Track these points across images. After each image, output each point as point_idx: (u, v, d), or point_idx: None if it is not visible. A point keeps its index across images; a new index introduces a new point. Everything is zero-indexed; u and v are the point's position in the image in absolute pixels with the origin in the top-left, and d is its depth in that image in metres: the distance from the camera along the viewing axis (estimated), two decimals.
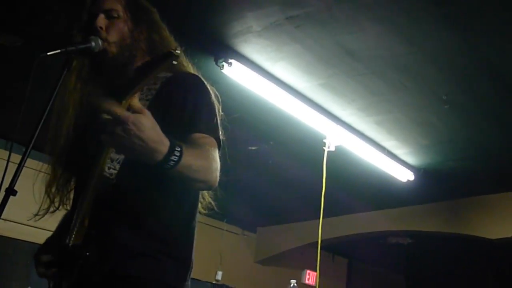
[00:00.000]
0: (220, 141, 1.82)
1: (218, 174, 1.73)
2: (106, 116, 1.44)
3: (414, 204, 7.34)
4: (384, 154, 5.91)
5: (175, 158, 1.51)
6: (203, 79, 1.93)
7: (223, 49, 4.19)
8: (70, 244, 1.64)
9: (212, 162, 1.70)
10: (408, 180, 6.37)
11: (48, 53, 1.72)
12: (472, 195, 7.02)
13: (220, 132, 1.85)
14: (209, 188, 1.78)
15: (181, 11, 3.73)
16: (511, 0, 3.59)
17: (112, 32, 1.89)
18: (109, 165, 1.76)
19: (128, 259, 1.72)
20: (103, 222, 1.71)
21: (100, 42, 1.85)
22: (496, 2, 3.61)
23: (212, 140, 1.77)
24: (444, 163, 6.20)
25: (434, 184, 6.60)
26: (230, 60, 4.22)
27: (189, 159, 1.57)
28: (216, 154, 1.75)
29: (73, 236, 1.65)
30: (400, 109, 5.11)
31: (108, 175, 1.75)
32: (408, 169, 6.24)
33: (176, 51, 1.59)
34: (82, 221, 1.67)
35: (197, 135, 1.74)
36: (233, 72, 4.33)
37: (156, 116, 1.55)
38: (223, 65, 4.21)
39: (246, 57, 4.34)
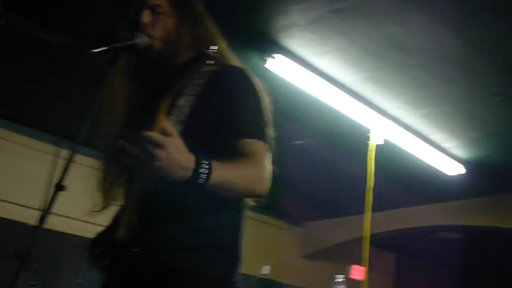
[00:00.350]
0: (269, 143, 1.79)
1: (267, 182, 1.71)
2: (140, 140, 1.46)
3: (464, 198, 7.24)
4: (433, 147, 5.84)
5: (204, 173, 1.52)
6: (248, 72, 1.89)
7: (267, 44, 4.20)
8: (119, 239, 1.65)
9: (259, 172, 1.70)
10: (458, 174, 6.29)
11: (95, 51, 1.75)
12: None
13: (270, 129, 1.82)
14: (255, 197, 1.76)
15: (226, 5, 3.73)
16: None
17: (157, 28, 1.89)
18: None
19: (175, 253, 1.72)
20: (150, 218, 1.72)
21: (145, 38, 1.85)
22: None
23: (260, 145, 1.74)
24: (495, 156, 6.09)
25: (484, 177, 6.48)
26: (274, 55, 4.23)
27: (223, 173, 1.58)
28: (265, 160, 1.73)
29: (122, 231, 1.66)
30: (448, 102, 5.03)
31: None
32: (458, 162, 6.15)
33: (211, 48, 1.61)
34: (131, 217, 1.69)
35: (245, 141, 1.72)
36: (277, 66, 4.33)
37: (205, 116, 1.65)
38: (267, 60, 4.22)
39: (291, 51, 4.33)
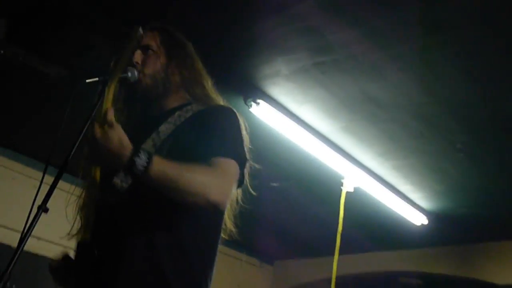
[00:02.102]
0: (243, 162, 1.76)
1: (224, 194, 1.66)
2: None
3: (426, 247, 7.20)
4: (400, 197, 5.81)
5: (141, 162, 1.52)
6: (234, 110, 1.90)
7: (252, 90, 4.19)
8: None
9: (217, 179, 1.65)
10: (422, 224, 6.26)
11: (87, 81, 1.72)
12: (482, 241, 6.86)
13: (247, 157, 1.80)
14: (208, 206, 1.63)
15: (216, 52, 3.73)
16: None
17: (147, 66, 1.91)
18: (121, 177, 1.73)
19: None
20: (112, 242, 1.68)
21: (136, 73, 1.87)
22: None
23: (230, 162, 1.71)
24: (457, 209, 6.09)
25: (446, 228, 6.46)
26: (258, 100, 4.21)
27: (165, 168, 1.56)
28: (228, 175, 1.69)
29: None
30: (417, 156, 5.04)
31: (119, 187, 1.73)
32: (422, 213, 6.13)
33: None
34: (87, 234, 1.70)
35: (218, 158, 1.68)
36: (261, 111, 4.31)
37: (182, 142, 1.67)
38: (251, 104, 4.21)
39: (274, 98, 4.32)
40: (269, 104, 4.30)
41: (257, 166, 1.91)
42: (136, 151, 1.53)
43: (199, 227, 1.76)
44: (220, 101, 1.99)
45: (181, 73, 1.95)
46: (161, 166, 1.55)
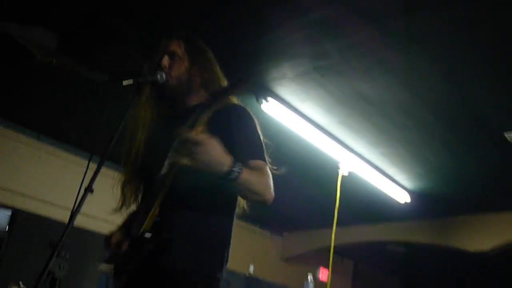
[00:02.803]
0: (267, 163, 1.76)
1: (272, 192, 1.69)
2: (185, 139, 1.48)
3: (409, 220, 7.15)
4: (387, 179, 5.78)
5: (237, 171, 1.54)
6: (247, 109, 1.87)
7: (262, 90, 4.14)
8: (139, 232, 1.61)
9: (267, 180, 1.69)
10: (405, 201, 6.22)
11: (124, 83, 1.70)
12: (456, 215, 6.81)
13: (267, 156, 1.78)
14: (264, 202, 1.68)
15: (232, 58, 3.69)
16: (498, 63, 3.47)
17: (173, 69, 1.89)
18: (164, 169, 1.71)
19: (180, 256, 1.67)
20: (166, 214, 1.66)
21: (164, 75, 1.84)
22: (486, 61, 3.49)
23: (264, 165, 1.72)
24: (434, 189, 6.03)
25: (425, 205, 6.41)
26: (268, 99, 4.18)
27: (248, 175, 1.58)
28: (270, 177, 1.71)
29: (143, 223, 1.62)
30: (401, 144, 4.99)
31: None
32: (406, 192, 6.09)
33: (241, 83, 1.63)
34: (153, 212, 1.63)
35: (253, 161, 1.69)
36: (270, 108, 4.27)
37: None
38: (262, 102, 4.16)
39: (281, 97, 4.28)
40: (277, 101, 4.26)
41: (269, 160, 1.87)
42: (235, 162, 1.54)
43: (225, 212, 1.81)
44: (235, 99, 1.94)
45: (201, 75, 1.91)
46: (246, 174, 1.57)
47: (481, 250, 6.53)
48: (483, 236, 6.53)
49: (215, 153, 1.51)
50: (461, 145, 4.84)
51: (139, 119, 1.89)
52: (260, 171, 1.68)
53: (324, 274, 8.34)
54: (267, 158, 1.77)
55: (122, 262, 1.69)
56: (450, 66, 3.61)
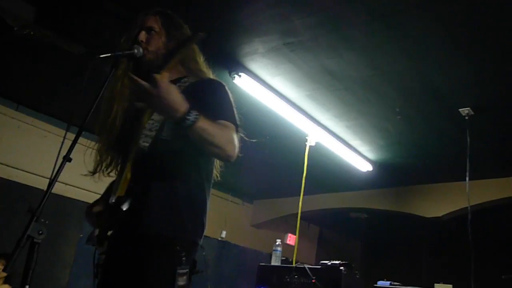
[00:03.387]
0: (238, 128, 1.76)
1: (236, 149, 1.66)
2: (145, 85, 1.50)
3: (371, 189, 7.32)
4: (351, 150, 5.87)
5: (193, 117, 1.52)
6: (223, 82, 1.88)
7: (235, 65, 4.14)
8: (114, 198, 1.62)
9: (230, 135, 1.66)
10: (368, 171, 6.34)
11: (101, 56, 1.68)
12: (414, 183, 7.00)
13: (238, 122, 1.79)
14: (226, 157, 1.65)
15: (206, 33, 3.67)
16: (457, 39, 3.54)
17: (151, 44, 1.87)
18: (143, 139, 1.72)
19: (159, 221, 1.67)
20: (141, 181, 1.69)
21: (141, 50, 1.83)
22: (445, 39, 3.56)
23: (232, 125, 1.71)
24: (395, 159, 6.16)
25: (386, 174, 6.55)
26: (240, 73, 4.18)
27: (206, 124, 1.56)
28: (235, 135, 1.69)
29: (117, 190, 1.64)
30: (364, 117, 5.06)
31: (142, 146, 1.71)
32: (368, 162, 6.20)
33: (200, 34, 1.63)
34: (125, 177, 1.65)
35: (222, 121, 1.68)
36: (242, 82, 4.27)
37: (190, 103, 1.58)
38: (234, 77, 4.17)
39: (252, 72, 4.28)
40: (249, 76, 4.27)
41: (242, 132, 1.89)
42: (190, 109, 1.53)
43: (202, 176, 1.80)
44: (210, 74, 1.95)
45: (176, 51, 1.86)
46: (203, 123, 1.55)
47: (435, 216, 6.75)
48: (437, 203, 6.74)
49: (170, 97, 1.50)
50: (420, 119, 4.94)
51: (116, 91, 1.86)
52: (224, 126, 1.66)
53: (291, 239, 8.52)
54: (239, 129, 1.78)
55: (103, 230, 1.68)
56: (411, 44, 3.66)
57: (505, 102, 4.37)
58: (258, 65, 4.18)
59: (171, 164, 1.73)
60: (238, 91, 4.33)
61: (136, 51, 1.81)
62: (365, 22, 3.46)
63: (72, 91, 4.15)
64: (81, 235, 5.69)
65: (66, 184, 5.42)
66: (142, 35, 1.87)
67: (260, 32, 3.70)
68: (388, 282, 5.15)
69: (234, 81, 4.19)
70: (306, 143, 5.18)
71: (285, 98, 4.72)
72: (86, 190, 5.07)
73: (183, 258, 1.64)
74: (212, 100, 1.76)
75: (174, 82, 1.81)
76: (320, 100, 4.76)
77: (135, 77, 1.52)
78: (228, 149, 1.63)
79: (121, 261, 1.66)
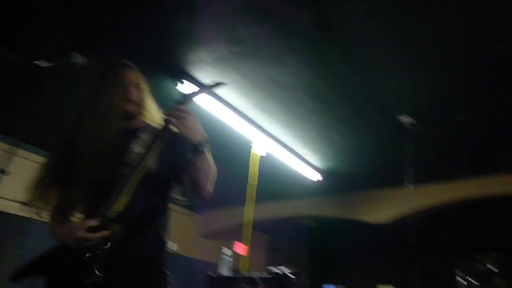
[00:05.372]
0: None
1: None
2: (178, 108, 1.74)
3: (320, 196, 7.41)
4: (300, 159, 5.94)
5: (206, 145, 1.77)
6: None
7: (179, 73, 4.08)
8: (111, 213, 1.65)
9: (212, 180, 1.85)
10: (317, 180, 6.43)
11: (42, 64, 1.62)
12: (360, 190, 7.16)
13: None
14: (205, 192, 1.87)
15: (151, 41, 3.62)
16: (399, 50, 3.65)
17: (140, 100, 2.00)
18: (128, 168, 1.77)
19: (144, 244, 1.73)
20: (135, 203, 1.72)
21: (83, 58, 1.80)
22: (389, 50, 3.67)
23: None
24: (342, 167, 6.28)
25: (334, 182, 6.68)
26: (183, 80, 4.12)
27: (209, 157, 1.81)
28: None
29: (111, 205, 1.66)
30: (312, 127, 5.13)
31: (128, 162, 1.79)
32: (317, 171, 6.29)
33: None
34: (125, 194, 1.68)
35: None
36: (186, 90, 4.21)
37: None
38: (176, 84, 4.11)
39: (198, 80, 4.23)
40: (194, 84, 4.21)
41: None
42: (207, 139, 1.77)
43: (169, 197, 1.95)
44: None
45: (146, 101, 2.01)
46: (208, 155, 1.80)
47: (380, 221, 6.93)
48: (382, 209, 6.92)
49: (197, 124, 1.75)
50: (363, 127, 5.07)
51: (114, 106, 1.88)
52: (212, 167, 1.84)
53: (240, 248, 8.48)
54: None
55: (94, 246, 1.64)
56: (355, 54, 3.75)
57: (444, 111, 4.57)
58: (203, 74, 4.15)
59: (156, 189, 1.84)
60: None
61: (76, 59, 1.80)
62: (310, 32, 3.52)
63: (6, 101, 3.96)
64: (21, 252, 5.41)
65: (1, 198, 5.15)
66: (135, 94, 1.95)
67: (206, 40, 3.68)
68: (333, 286, 5.23)
69: (177, 87, 4.13)
70: (250, 150, 5.19)
71: (231, 107, 4.71)
72: (23, 203, 4.82)
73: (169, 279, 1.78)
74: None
75: (138, 130, 1.93)
76: (268, 110, 4.79)
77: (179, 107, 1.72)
78: (210, 186, 1.85)
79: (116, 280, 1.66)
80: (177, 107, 1.73)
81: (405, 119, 4.69)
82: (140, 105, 1.97)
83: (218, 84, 1.90)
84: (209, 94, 1.98)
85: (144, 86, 2.01)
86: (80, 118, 1.85)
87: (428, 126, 4.85)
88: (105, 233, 1.63)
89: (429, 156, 5.62)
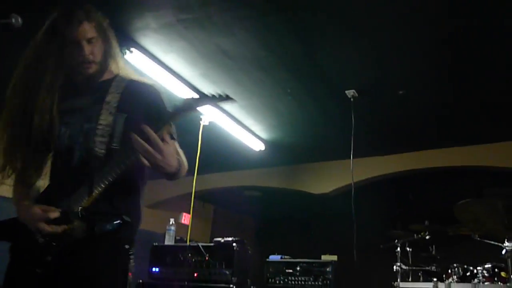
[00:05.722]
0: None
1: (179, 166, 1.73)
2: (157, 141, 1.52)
3: (264, 167, 7.52)
4: (244, 129, 5.97)
5: (180, 171, 1.70)
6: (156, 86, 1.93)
7: (126, 40, 3.97)
8: (78, 208, 1.58)
9: (177, 158, 1.73)
10: (260, 150, 6.51)
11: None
12: (304, 162, 7.34)
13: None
14: (173, 176, 1.74)
15: (95, 6, 3.47)
16: (344, 25, 3.72)
17: (95, 55, 1.82)
18: (98, 145, 1.68)
19: (107, 224, 1.61)
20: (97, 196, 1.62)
21: (19, 19, 1.74)
22: (334, 25, 3.72)
23: (175, 142, 1.81)
24: (285, 139, 6.39)
25: (278, 153, 6.80)
26: (131, 49, 4.03)
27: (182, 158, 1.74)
28: (179, 151, 1.83)
29: (80, 199, 1.59)
30: (257, 97, 5.16)
31: (99, 153, 1.68)
32: (261, 141, 6.37)
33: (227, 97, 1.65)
34: (90, 192, 1.60)
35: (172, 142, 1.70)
36: (134, 59, 4.13)
37: (130, 111, 1.74)
38: (125, 52, 4.00)
39: (145, 48, 4.15)
40: (141, 52, 4.13)
41: None
42: (180, 163, 1.69)
43: (142, 174, 1.91)
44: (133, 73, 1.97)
45: (110, 53, 1.86)
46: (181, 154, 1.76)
47: (323, 192, 7.16)
48: (325, 180, 7.14)
49: (171, 158, 1.58)
50: (310, 100, 5.17)
51: (46, 81, 1.73)
52: (175, 148, 1.73)
53: (186, 218, 8.51)
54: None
55: (51, 239, 1.59)
56: (302, 27, 3.78)
57: (385, 85, 4.73)
58: (150, 41, 4.06)
59: (120, 170, 1.64)
60: (130, 67, 4.16)
61: (13, 20, 1.69)
62: (259, 2, 3.50)
63: None
64: None
65: None
66: (88, 50, 1.76)
67: (153, 6, 3.58)
68: (279, 256, 5.39)
69: (125, 57, 4.03)
70: (200, 122, 5.17)
71: (178, 76, 4.65)
72: None
73: (131, 256, 1.74)
74: (155, 112, 1.77)
75: (109, 81, 1.81)
76: (214, 79, 4.76)
77: (149, 130, 1.50)
78: (177, 171, 1.70)
79: (70, 264, 1.59)
80: (152, 137, 1.50)
81: (349, 92, 4.82)
82: (100, 63, 1.80)
83: (227, 98, 1.66)
84: (214, 106, 1.83)
85: (104, 36, 1.82)
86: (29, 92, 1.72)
87: (370, 100, 5.01)
88: (66, 228, 1.56)
89: (370, 129, 5.82)
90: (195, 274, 4.05)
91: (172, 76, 4.57)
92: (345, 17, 3.64)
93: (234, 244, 4.01)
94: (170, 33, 3.93)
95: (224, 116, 5.50)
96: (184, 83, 4.74)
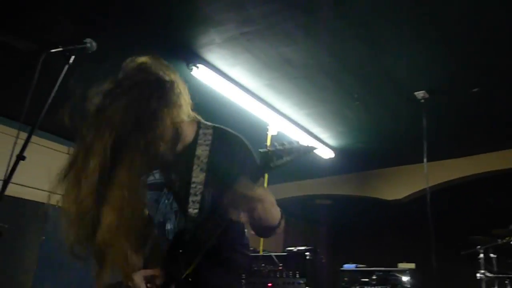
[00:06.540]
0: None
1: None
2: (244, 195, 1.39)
3: (334, 175, 7.45)
4: (312, 138, 5.96)
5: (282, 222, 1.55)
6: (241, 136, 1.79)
7: (192, 56, 4.11)
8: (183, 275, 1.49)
9: (277, 215, 1.62)
10: (330, 158, 6.45)
11: (52, 50, 1.65)
12: (375, 168, 7.20)
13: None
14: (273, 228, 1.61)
15: (161, 26, 3.63)
16: (410, 25, 3.63)
17: None
18: (192, 206, 1.57)
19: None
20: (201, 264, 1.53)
21: (93, 43, 1.77)
22: (399, 25, 3.65)
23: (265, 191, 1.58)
24: (355, 145, 6.29)
25: (348, 160, 6.70)
26: (198, 65, 4.16)
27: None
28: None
29: (182, 268, 1.50)
30: (324, 105, 5.14)
31: (193, 214, 1.56)
32: (330, 149, 6.31)
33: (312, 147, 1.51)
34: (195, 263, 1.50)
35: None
36: (200, 74, 4.26)
37: (220, 166, 1.58)
38: (192, 68, 4.14)
39: (210, 63, 4.27)
40: (207, 67, 4.25)
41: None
42: (281, 214, 1.53)
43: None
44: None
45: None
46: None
47: (396, 198, 6.96)
48: (398, 186, 6.95)
49: (273, 208, 1.47)
50: (377, 103, 5.06)
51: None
52: (273, 202, 1.55)
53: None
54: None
55: None
56: (367, 30, 3.73)
57: (457, 84, 4.54)
58: (216, 56, 4.16)
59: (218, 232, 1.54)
60: (197, 82, 4.31)
61: (88, 44, 1.77)
62: (321, 9, 3.50)
63: (23, 89, 4.02)
64: (43, 237, 5.55)
65: (23, 185, 5.27)
66: None
67: (216, 22, 3.69)
68: (354, 265, 5.29)
69: (192, 72, 4.17)
70: (267, 132, 5.20)
71: (244, 88, 4.73)
72: (43, 190, 4.96)
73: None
74: (250, 164, 1.65)
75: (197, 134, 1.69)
76: (279, 89, 4.80)
77: (240, 186, 1.40)
78: (279, 223, 1.60)
79: None
80: (246, 195, 1.39)
81: (419, 93, 4.67)
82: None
83: (312, 148, 1.55)
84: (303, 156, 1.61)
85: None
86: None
87: (442, 100, 4.83)
88: None
89: (443, 131, 5.60)
90: (269, 284, 4.06)
91: (237, 88, 4.66)
92: (411, 17, 3.54)
93: (307, 253, 4.00)
94: (234, 46, 4.01)
95: (291, 125, 5.52)
96: (249, 94, 4.82)
